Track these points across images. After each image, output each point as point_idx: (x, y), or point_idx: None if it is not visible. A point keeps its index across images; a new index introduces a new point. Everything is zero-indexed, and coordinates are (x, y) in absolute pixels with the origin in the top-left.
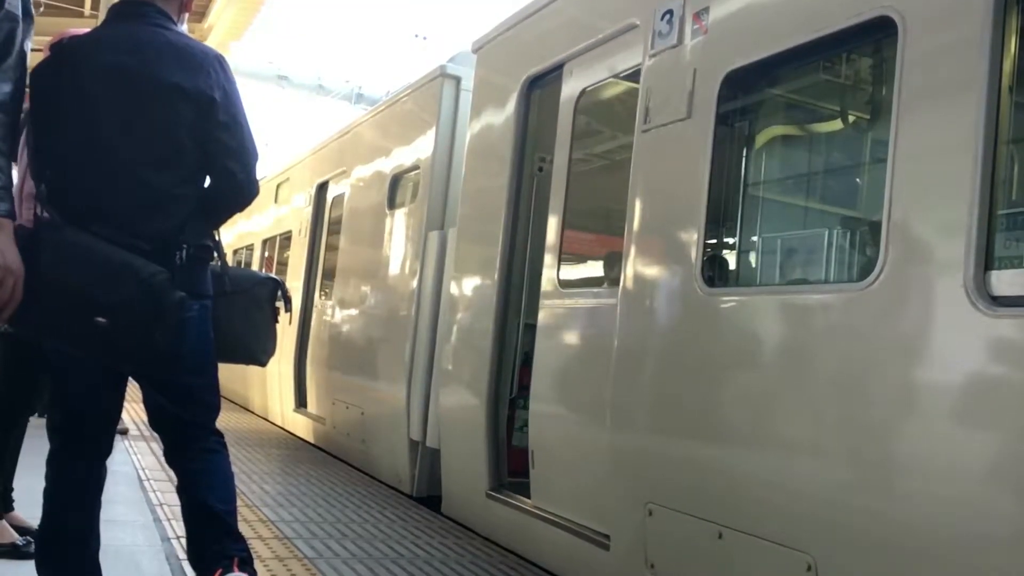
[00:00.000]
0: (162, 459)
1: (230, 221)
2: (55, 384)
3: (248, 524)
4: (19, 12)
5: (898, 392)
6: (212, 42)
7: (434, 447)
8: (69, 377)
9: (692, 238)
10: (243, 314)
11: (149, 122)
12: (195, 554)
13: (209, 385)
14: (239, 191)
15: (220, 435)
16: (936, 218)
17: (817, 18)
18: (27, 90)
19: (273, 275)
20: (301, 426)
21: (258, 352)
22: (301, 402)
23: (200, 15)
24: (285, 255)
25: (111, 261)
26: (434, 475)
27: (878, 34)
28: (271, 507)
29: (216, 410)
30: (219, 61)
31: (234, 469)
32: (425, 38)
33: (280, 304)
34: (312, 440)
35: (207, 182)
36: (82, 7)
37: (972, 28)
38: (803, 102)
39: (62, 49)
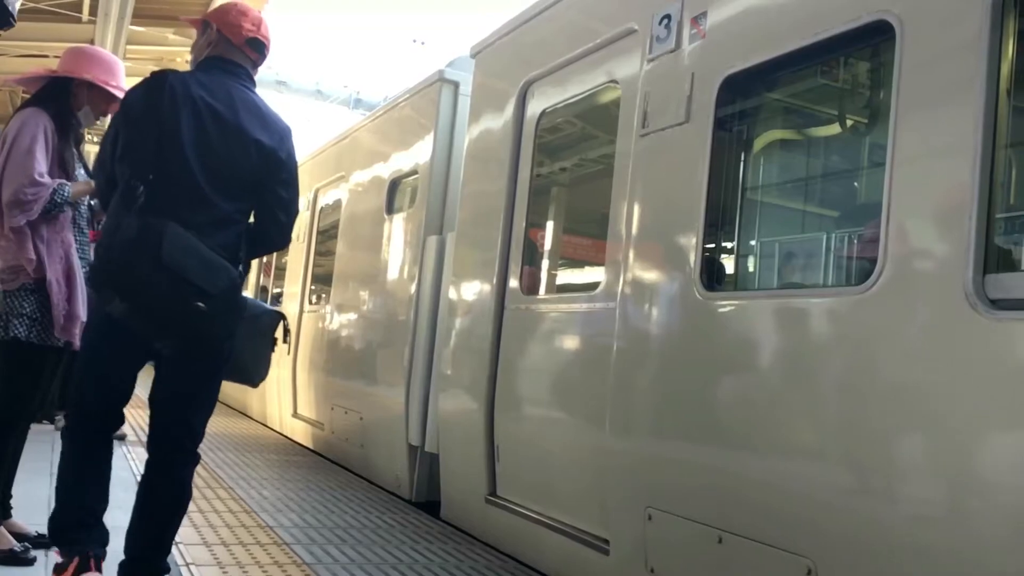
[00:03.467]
0: None
1: None
2: (92, 357)
3: (247, 529)
4: None
5: (898, 396)
6: None
7: (433, 452)
8: (113, 354)
9: (691, 242)
10: (249, 338)
11: (225, 161)
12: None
13: (213, 398)
14: (281, 237)
15: (198, 458)
16: (935, 222)
17: (815, 22)
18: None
19: (278, 308)
20: (300, 431)
21: (254, 375)
22: (299, 407)
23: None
24: (283, 260)
25: (212, 257)
26: (433, 480)
27: (876, 38)
28: (269, 512)
29: (202, 435)
30: (290, 132)
31: (232, 474)
32: (423, 43)
33: (279, 335)
34: (311, 445)
35: (254, 221)
36: (80, 12)
37: (970, 31)
38: (802, 106)
39: (163, 80)
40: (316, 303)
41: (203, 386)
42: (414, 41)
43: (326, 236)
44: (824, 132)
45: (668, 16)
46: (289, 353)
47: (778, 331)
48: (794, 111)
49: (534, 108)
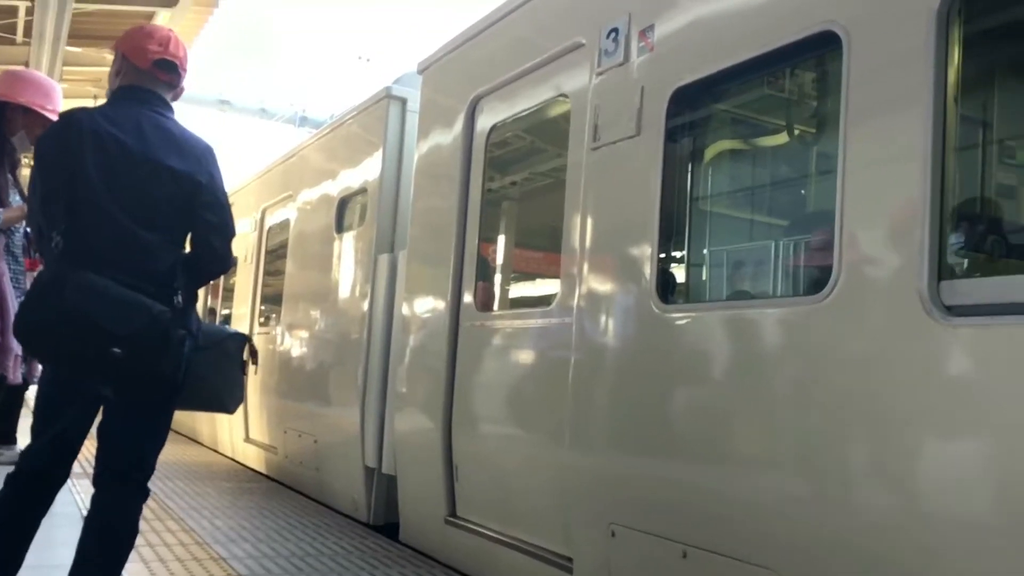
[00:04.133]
0: None
1: None
2: (48, 412)
3: (199, 563)
4: None
5: (856, 404)
6: None
7: (390, 474)
8: (66, 405)
9: (646, 255)
10: (215, 366)
11: (140, 192)
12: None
13: (165, 429)
14: (219, 262)
15: (148, 493)
16: (888, 230)
17: (763, 34)
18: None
19: (240, 331)
20: (252, 457)
21: (228, 402)
22: (251, 432)
23: None
24: (231, 281)
25: (125, 299)
26: (391, 502)
27: (823, 48)
28: (222, 543)
29: (152, 469)
30: (209, 152)
31: (183, 504)
32: (368, 60)
33: (247, 358)
34: (264, 471)
35: (190, 250)
36: (14, 34)
37: (916, 41)
38: (752, 117)
39: (70, 120)
40: (266, 324)
41: (151, 420)
42: (359, 58)
43: (275, 256)
44: (776, 142)
45: (616, 30)
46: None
47: (736, 343)
48: (745, 122)
49: (483, 123)
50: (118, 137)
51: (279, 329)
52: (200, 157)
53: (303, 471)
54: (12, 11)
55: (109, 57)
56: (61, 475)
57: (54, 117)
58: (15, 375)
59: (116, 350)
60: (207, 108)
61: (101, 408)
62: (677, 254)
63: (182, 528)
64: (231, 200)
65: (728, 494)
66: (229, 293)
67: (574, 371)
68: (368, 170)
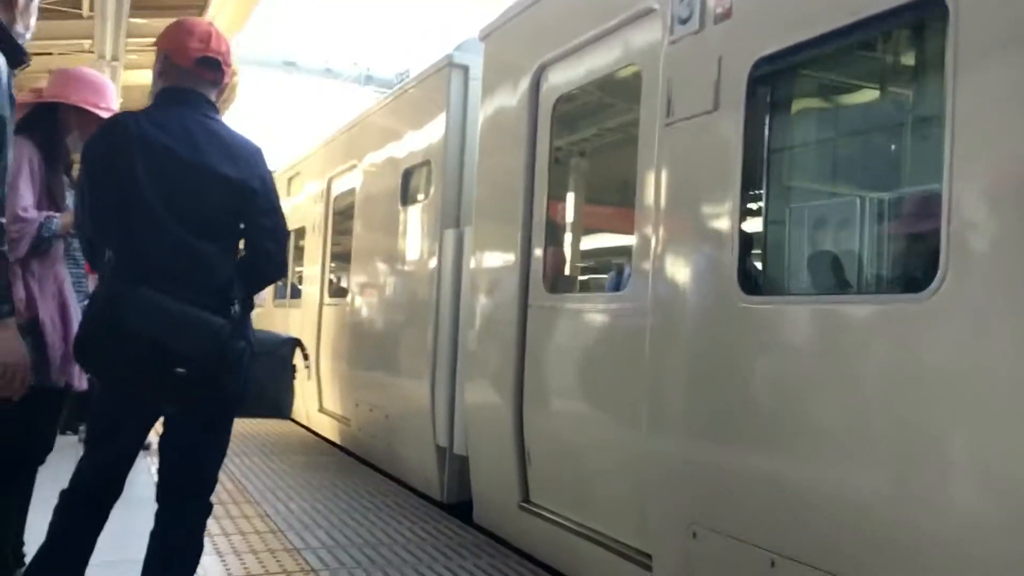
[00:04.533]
0: None
1: None
2: (102, 430)
3: (272, 554)
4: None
5: (959, 408)
6: None
7: (462, 454)
8: (123, 422)
9: (727, 241)
10: (271, 373)
11: (194, 201)
12: None
13: (227, 442)
14: (275, 267)
15: (211, 507)
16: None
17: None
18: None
19: (293, 335)
20: (326, 427)
21: (284, 408)
22: (324, 403)
23: (200, 8)
24: (300, 250)
25: (185, 316)
26: (464, 480)
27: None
28: (296, 531)
29: (215, 483)
30: (259, 154)
31: (259, 484)
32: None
33: (300, 360)
34: (338, 441)
35: (244, 254)
36: (80, 8)
37: None
38: (843, 87)
39: (115, 125)
40: (336, 296)
41: (214, 434)
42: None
43: (342, 227)
44: (872, 118)
45: None
46: (313, 347)
47: (827, 339)
48: (835, 94)
49: (549, 94)
50: (168, 144)
51: (348, 301)
52: (251, 161)
53: (375, 445)
54: None
55: None
56: (116, 491)
57: (108, 116)
58: (81, 382)
59: (180, 370)
60: (272, 70)
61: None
62: (761, 242)
63: (257, 513)
64: (296, 169)
65: (821, 500)
66: (298, 262)
67: (650, 362)
68: (431, 141)
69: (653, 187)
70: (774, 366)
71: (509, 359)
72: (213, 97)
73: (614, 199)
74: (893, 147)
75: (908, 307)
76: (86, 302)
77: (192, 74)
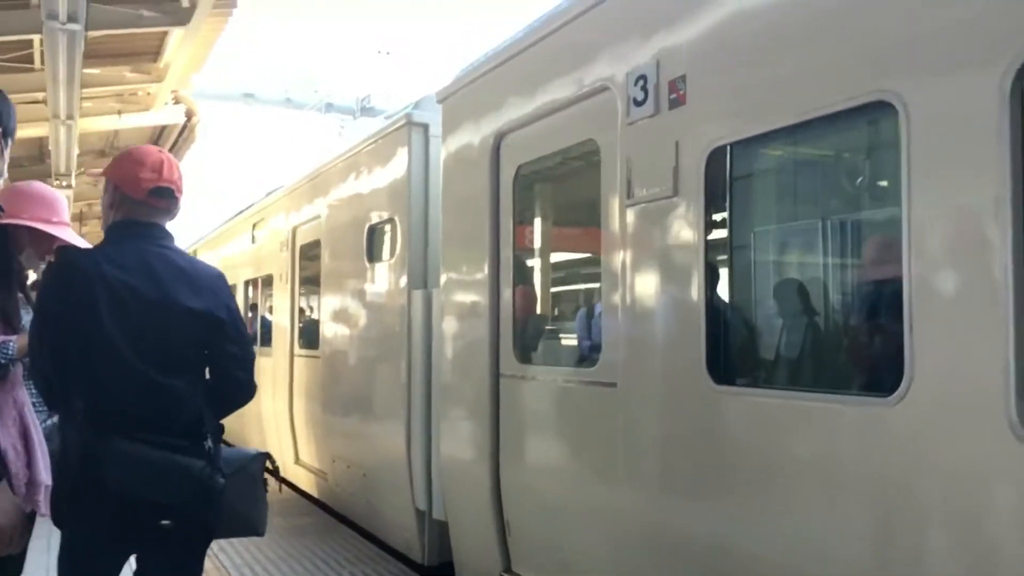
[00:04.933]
0: None
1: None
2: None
3: None
4: None
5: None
6: (172, 78)
7: (441, 520)
8: (101, 563)
9: (695, 327)
10: (243, 492)
11: (160, 338)
12: None
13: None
14: (246, 394)
15: None
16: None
17: (812, 99)
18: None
19: (261, 450)
20: (303, 479)
21: (259, 524)
22: (300, 455)
23: (154, 55)
24: (268, 301)
25: (165, 466)
26: (446, 542)
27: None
28: None
29: None
30: (221, 279)
31: (236, 559)
32: (388, 53)
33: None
34: (315, 495)
35: (212, 383)
36: (32, 63)
37: (983, 110)
38: (802, 177)
39: (71, 268)
40: (307, 348)
41: (192, 563)
42: (379, 52)
43: (308, 277)
44: (834, 205)
45: (644, 77)
46: (285, 397)
47: (790, 434)
48: (794, 182)
49: (509, 163)
50: (128, 282)
51: (320, 355)
52: (214, 289)
53: (354, 502)
54: (27, 43)
55: (129, 75)
56: None
57: (60, 231)
58: (46, 508)
59: (165, 522)
60: (232, 103)
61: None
62: (730, 328)
63: None
64: (260, 215)
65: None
66: (265, 309)
67: (622, 443)
68: (394, 199)
69: (618, 265)
70: (741, 452)
71: (483, 427)
72: (166, 224)
73: (581, 271)
74: (852, 244)
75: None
76: (48, 422)
77: (145, 205)
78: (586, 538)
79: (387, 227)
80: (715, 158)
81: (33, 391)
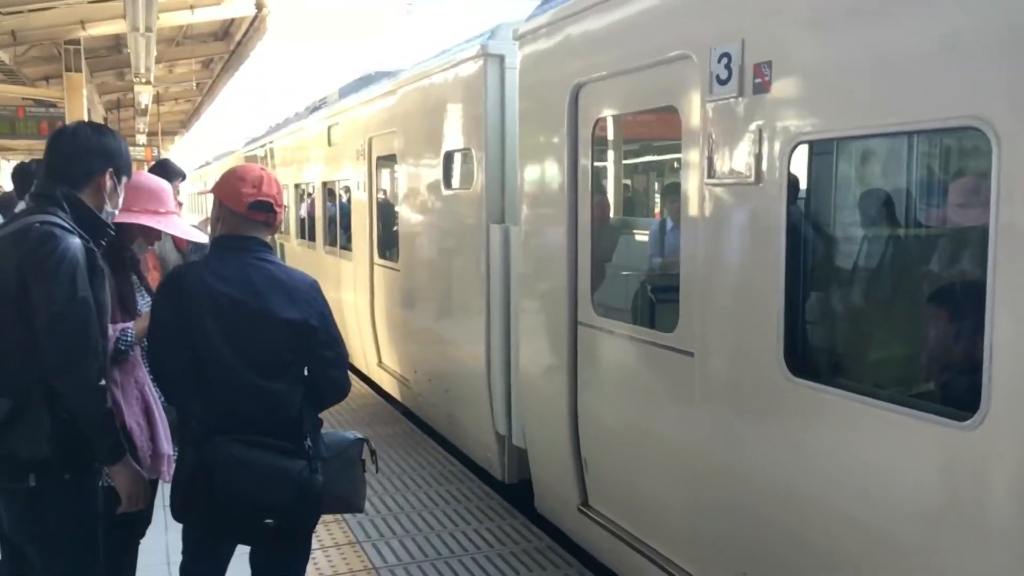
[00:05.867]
0: None
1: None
2: (195, 550)
3: (338, 549)
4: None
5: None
6: None
7: (521, 447)
8: (201, 561)
9: (774, 315)
10: (342, 474)
11: (260, 346)
12: None
13: (309, 548)
14: (339, 391)
15: None
16: None
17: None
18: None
19: (359, 434)
20: (386, 381)
21: (357, 502)
22: (383, 358)
23: None
24: (347, 206)
25: (270, 469)
26: (525, 463)
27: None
28: (359, 521)
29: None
30: (315, 288)
31: None
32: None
33: (367, 459)
34: (398, 398)
35: (310, 383)
36: None
37: None
38: (888, 185)
39: (180, 281)
40: (385, 260)
41: (299, 550)
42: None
43: (385, 190)
44: (921, 217)
45: (728, 55)
46: (367, 303)
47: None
48: (881, 179)
49: (587, 113)
50: (231, 295)
51: (399, 269)
52: (308, 299)
53: (437, 414)
54: None
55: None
56: None
57: (167, 222)
58: (169, 476)
59: (268, 521)
60: None
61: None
62: (810, 320)
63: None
64: (335, 118)
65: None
66: (346, 217)
67: (698, 411)
68: (471, 131)
69: (697, 238)
70: (812, 448)
71: (561, 369)
72: (267, 237)
73: (660, 233)
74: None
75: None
76: (163, 399)
77: (245, 218)
78: (660, 486)
79: (464, 156)
80: (799, 152)
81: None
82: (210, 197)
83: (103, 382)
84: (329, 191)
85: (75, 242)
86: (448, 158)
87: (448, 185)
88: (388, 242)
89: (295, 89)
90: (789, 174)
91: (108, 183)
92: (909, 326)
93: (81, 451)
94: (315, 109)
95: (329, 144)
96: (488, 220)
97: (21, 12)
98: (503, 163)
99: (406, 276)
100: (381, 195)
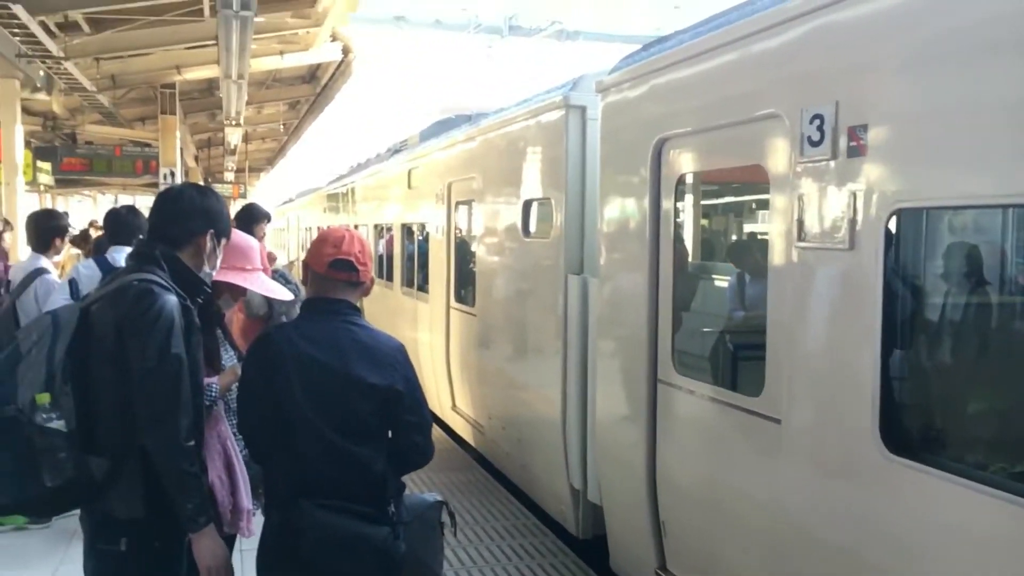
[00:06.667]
0: None
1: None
2: None
3: None
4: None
5: None
6: (329, 22)
7: (596, 503)
8: None
9: (869, 387)
10: (421, 537)
11: (346, 409)
12: None
13: None
14: (422, 456)
15: None
16: None
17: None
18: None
19: (439, 496)
20: (459, 425)
21: (435, 568)
22: (457, 402)
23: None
24: (424, 247)
25: (355, 537)
26: (600, 518)
27: None
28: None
29: None
30: (401, 352)
31: None
32: (490, 46)
33: (445, 520)
34: (471, 443)
35: (393, 448)
36: (201, 16)
37: None
38: (996, 255)
39: (269, 343)
40: (462, 303)
41: None
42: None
43: (463, 235)
44: None
45: (820, 117)
46: (442, 346)
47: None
48: (989, 261)
49: (671, 169)
50: (318, 358)
51: (474, 314)
52: (394, 363)
53: (510, 463)
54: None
55: (290, 20)
56: None
57: (252, 280)
58: (249, 532)
59: None
60: (382, 25)
61: None
62: (908, 392)
63: None
64: (415, 162)
65: None
66: (424, 256)
67: (786, 479)
68: (551, 180)
69: (785, 301)
70: (909, 531)
71: (640, 428)
72: (355, 298)
73: (739, 287)
74: None
75: None
76: (244, 451)
77: (328, 278)
78: (742, 556)
79: (543, 205)
80: (897, 219)
81: (230, 420)
82: (293, 234)
83: (192, 442)
84: (407, 233)
85: (171, 299)
86: (527, 206)
87: (527, 233)
88: (465, 286)
89: (375, 127)
90: (886, 241)
91: (208, 244)
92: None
93: (173, 516)
94: (395, 151)
95: (409, 186)
96: (567, 270)
97: (122, 57)
98: (583, 213)
99: (482, 321)
100: (459, 239)
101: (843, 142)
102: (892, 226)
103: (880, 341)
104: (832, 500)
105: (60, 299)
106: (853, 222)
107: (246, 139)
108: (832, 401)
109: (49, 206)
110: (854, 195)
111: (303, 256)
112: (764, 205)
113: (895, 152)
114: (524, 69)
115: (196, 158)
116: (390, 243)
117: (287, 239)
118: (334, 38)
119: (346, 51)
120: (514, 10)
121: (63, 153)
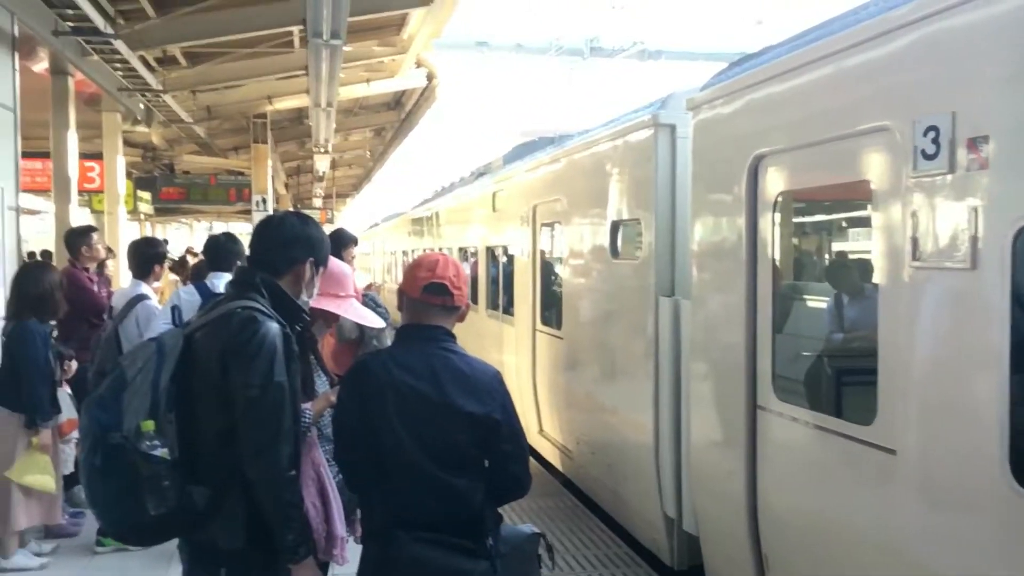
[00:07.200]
0: None
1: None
2: None
3: None
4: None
5: None
6: (414, 49)
7: (692, 533)
8: None
9: (997, 417)
10: (518, 571)
11: (443, 439)
12: None
13: None
14: (520, 487)
15: None
16: None
17: None
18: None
19: (535, 528)
20: (547, 450)
21: None
22: (544, 426)
23: (397, 27)
24: (510, 270)
25: (452, 572)
26: (695, 547)
27: None
28: None
29: None
30: (497, 380)
31: None
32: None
33: (542, 553)
34: (559, 468)
35: (490, 477)
36: (292, 47)
37: None
38: None
39: (366, 372)
40: (548, 326)
41: None
42: (612, 7)
43: (549, 257)
44: None
45: (935, 128)
46: (528, 369)
47: None
48: None
49: (768, 187)
50: (414, 386)
51: (562, 335)
52: (491, 391)
53: (599, 488)
54: (288, 32)
55: (376, 48)
56: None
57: (346, 307)
58: (343, 560)
59: None
60: (466, 51)
61: None
62: None
63: None
64: (500, 185)
65: None
66: (508, 279)
67: (903, 514)
68: (640, 201)
69: (899, 325)
70: None
71: (739, 457)
72: (450, 324)
73: (838, 308)
74: None
75: None
76: (338, 477)
77: (422, 303)
78: None
79: (632, 226)
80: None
81: (323, 446)
82: (378, 257)
83: (293, 472)
84: (492, 255)
85: (274, 327)
86: (615, 227)
87: (615, 254)
88: (551, 309)
89: (458, 152)
90: (1013, 259)
91: (307, 272)
92: None
93: (272, 546)
94: (480, 174)
95: (493, 209)
96: (657, 291)
97: (217, 89)
98: (673, 233)
99: (569, 344)
100: (544, 261)
101: (961, 155)
102: (1019, 244)
103: (1009, 366)
104: (954, 537)
105: (162, 324)
106: (975, 240)
107: (333, 166)
108: (955, 431)
109: (149, 234)
110: (975, 211)
111: (387, 280)
112: (869, 223)
113: (1020, 165)
114: (604, 90)
115: (286, 185)
116: (475, 266)
117: (372, 263)
118: (419, 64)
119: (430, 77)
120: (596, 32)
121: (162, 183)
